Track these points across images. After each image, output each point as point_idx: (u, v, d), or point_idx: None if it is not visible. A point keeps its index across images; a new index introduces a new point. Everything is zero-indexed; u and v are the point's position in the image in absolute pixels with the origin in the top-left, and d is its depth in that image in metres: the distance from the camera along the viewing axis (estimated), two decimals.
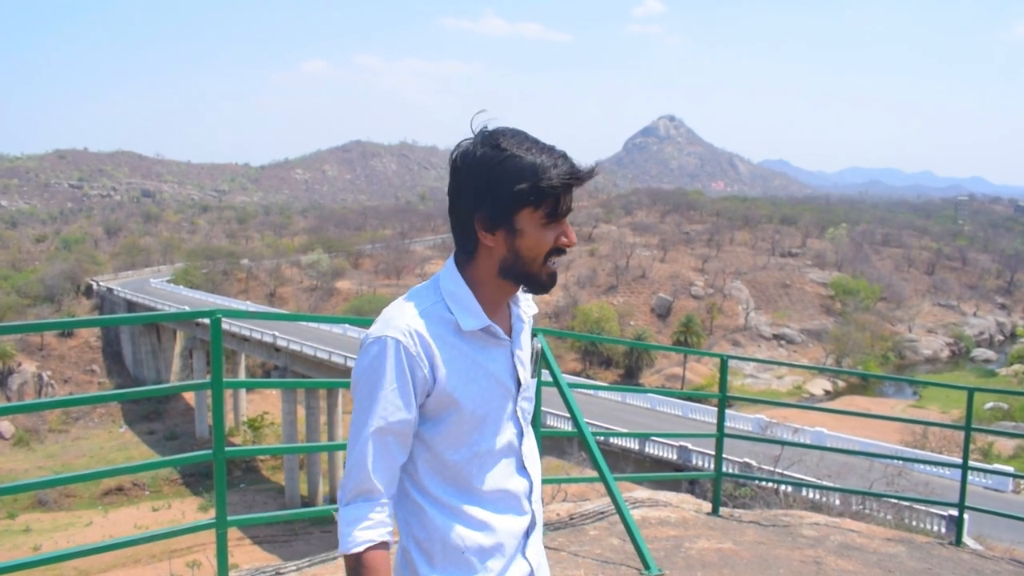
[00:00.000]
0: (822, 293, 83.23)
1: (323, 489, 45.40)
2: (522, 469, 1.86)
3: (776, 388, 62.59)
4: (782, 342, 74.47)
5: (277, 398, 52.32)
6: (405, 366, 1.67)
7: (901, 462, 21.33)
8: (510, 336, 1.85)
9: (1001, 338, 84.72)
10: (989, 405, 50.42)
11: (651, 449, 31.33)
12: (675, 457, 30.72)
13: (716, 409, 6.49)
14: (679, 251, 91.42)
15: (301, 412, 46.36)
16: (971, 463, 6.21)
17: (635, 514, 5.87)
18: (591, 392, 38.67)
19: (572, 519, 5.74)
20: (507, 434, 1.83)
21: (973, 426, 6.13)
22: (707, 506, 6.39)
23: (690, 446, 30.30)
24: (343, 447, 6.52)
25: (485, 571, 1.75)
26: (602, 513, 5.87)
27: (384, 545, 1.67)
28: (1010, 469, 32.02)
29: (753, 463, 24.93)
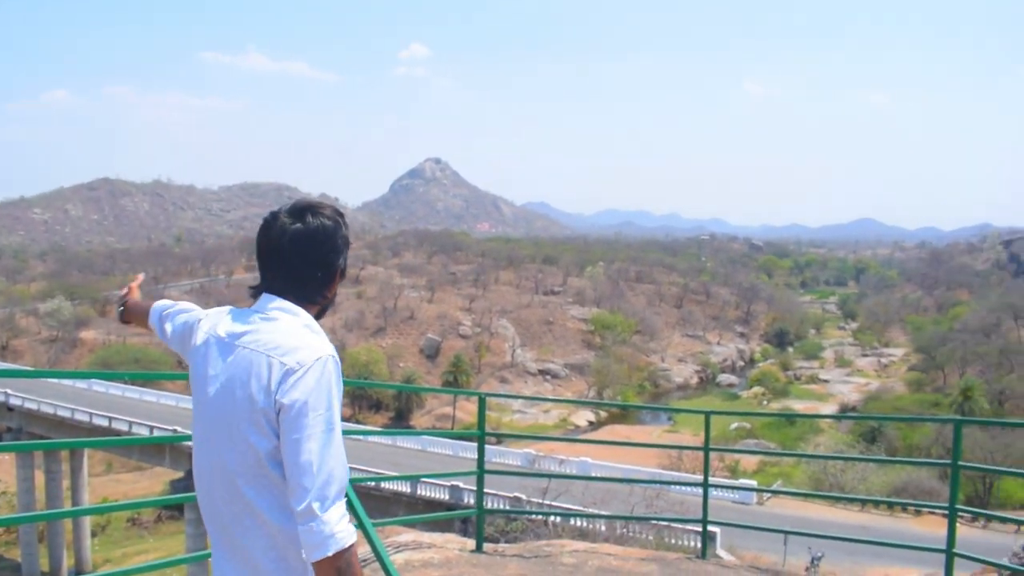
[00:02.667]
0: (583, 328, 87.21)
1: (68, 562, 41.19)
2: None
3: (543, 422, 64.56)
4: (548, 377, 77.14)
5: (11, 464, 47.14)
6: (339, 380, 2.01)
7: (659, 485, 22.66)
8: None
9: (742, 363, 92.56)
10: (734, 426, 54.75)
11: (423, 491, 31.28)
12: (447, 497, 30.83)
13: (491, 447, 6.57)
14: (446, 291, 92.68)
15: (40, 478, 41.95)
16: (711, 480, 6.59)
17: (398, 558, 5.80)
18: (360, 437, 38.06)
19: None
20: None
21: (712, 446, 6.54)
22: (471, 543, 6.42)
23: (461, 484, 30.51)
24: (90, 512, 5.92)
25: None
26: (364, 560, 5.77)
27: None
28: (753, 483, 34.89)
29: (523, 497, 25.51)
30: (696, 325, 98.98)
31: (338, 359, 2.04)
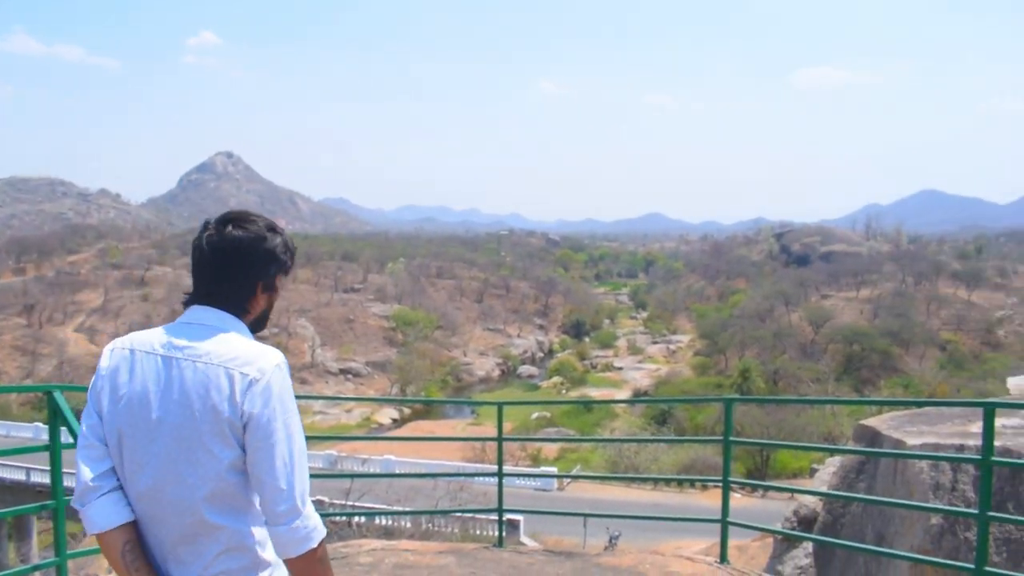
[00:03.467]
0: (384, 326, 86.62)
1: None
2: None
3: (346, 422, 63.47)
4: (349, 376, 76.01)
5: None
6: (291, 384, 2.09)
7: (459, 478, 22.79)
8: None
9: (541, 355, 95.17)
10: (535, 415, 56.08)
11: None
12: None
13: None
14: None
15: None
16: (507, 469, 6.60)
17: None
18: None
19: None
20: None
21: (506, 436, 6.54)
22: None
23: None
24: None
25: None
26: None
27: None
28: (553, 470, 35.91)
29: (326, 499, 24.87)
30: (496, 319, 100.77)
31: (287, 363, 2.13)
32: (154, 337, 2.15)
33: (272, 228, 2.26)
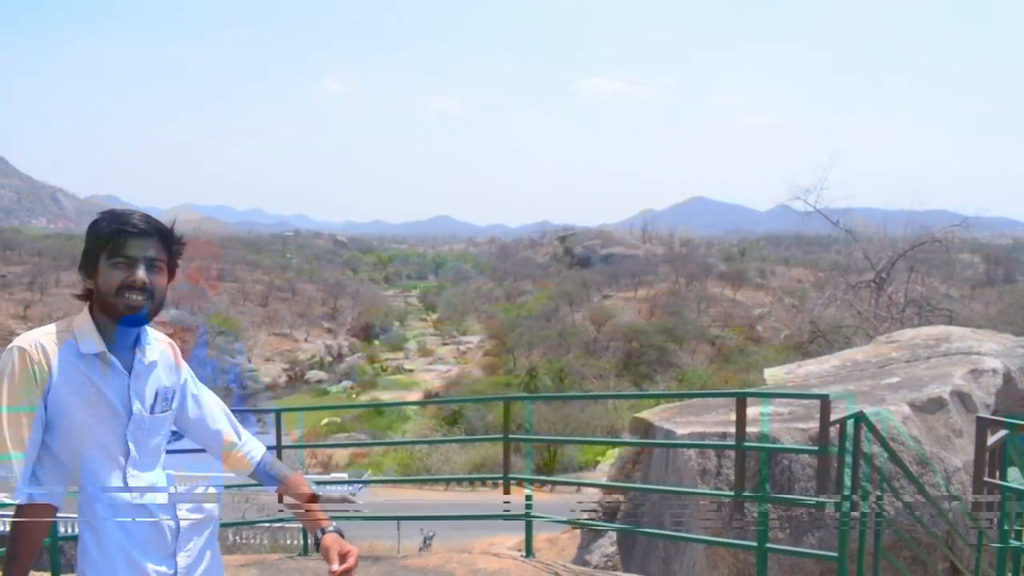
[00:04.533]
0: (160, 332, 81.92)
1: None
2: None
3: None
4: None
5: None
6: (13, 369, 2.21)
7: (249, 489, 21.99)
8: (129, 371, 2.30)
9: (331, 359, 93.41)
10: (325, 421, 55.00)
11: None
12: None
13: None
14: None
15: None
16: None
17: None
18: None
19: None
20: (114, 451, 2.26)
21: (287, 444, 6.52)
22: None
23: None
24: None
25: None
26: None
27: None
28: (344, 476, 35.41)
29: None
30: (283, 323, 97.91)
31: (24, 349, 2.27)
32: None
33: (97, 217, 2.45)
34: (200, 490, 2.40)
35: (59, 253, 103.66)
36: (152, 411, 2.34)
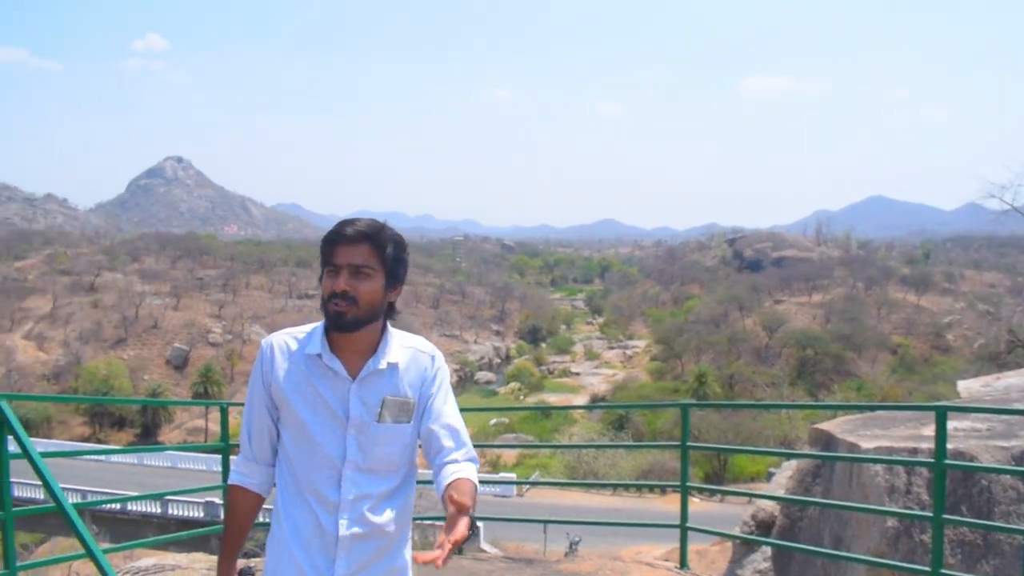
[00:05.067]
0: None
1: None
2: (335, 489, 2.29)
3: None
4: None
5: None
6: (261, 363, 2.36)
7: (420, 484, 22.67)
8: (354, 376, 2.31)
9: (498, 360, 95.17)
10: (493, 421, 56.12)
11: (174, 510, 29.48)
12: (201, 514, 29.27)
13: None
14: (193, 298, 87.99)
15: None
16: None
17: None
18: (103, 458, 35.21)
19: None
20: (329, 453, 2.29)
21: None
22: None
23: (216, 500, 29.09)
24: None
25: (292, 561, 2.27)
26: None
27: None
28: (512, 476, 35.93)
29: None
30: (453, 325, 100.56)
31: (261, 346, 2.40)
32: None
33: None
34: (371, 504, 2.30)
35: (248, 257, 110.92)
36: (380, 419, 2.30)
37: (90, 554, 4.35)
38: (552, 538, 24.90)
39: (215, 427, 60.66)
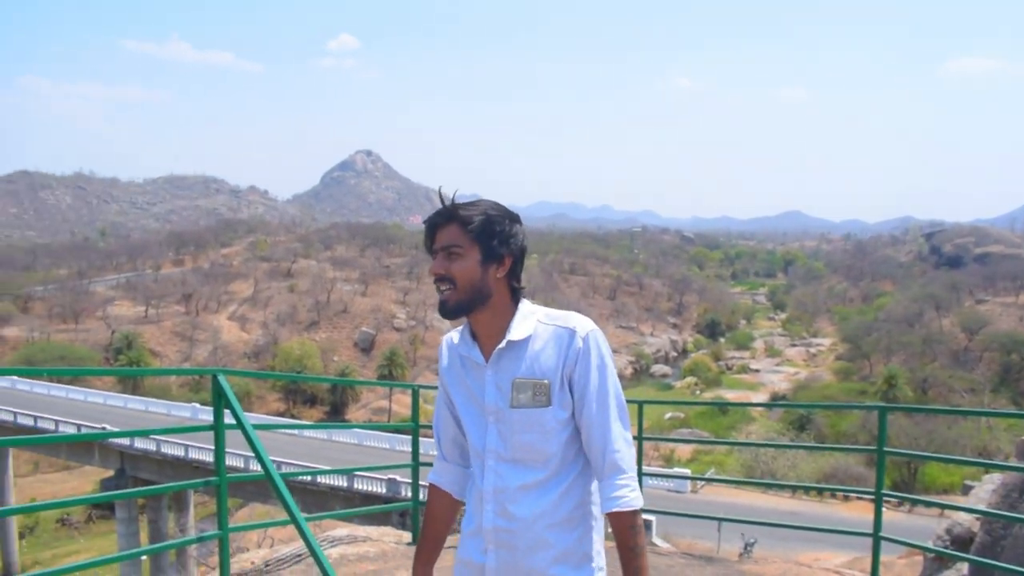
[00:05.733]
0: None
1: None
2: (483, 480, 2.23)
3: None
4: None
5: None
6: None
7: None
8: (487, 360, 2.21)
9: (675, 354, 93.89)
10: (668, 415, 55.47)
11: (360, 485, 30.96)
12: (384, 490, 30.59)
13: (428, 440, 6.42)
14: (380, 284, 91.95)
15: None
16: (645, 469, 6.62)
17: (333, 552, 5.68)
18: (295, 432, 37.55)
19: (267, 565, 5.43)
20: (476, 443, 2.25)
21: (645, 436, 6.54)
22: (407, 536, 6.31)
23: (398, 478, 30.33)
24: (17, 511, 5.61)
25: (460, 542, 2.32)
26: (299, 556, 5.60)
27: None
28: (687, 471, 35.39)
29: None
30: (629, 316, 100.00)
31: (442, 340, 2.37)
32: None
33: None
34: (509, 496, 2.20)
35: None
36: (513, 403, 2.18)
37: (294, 521, 4.65)
38: (725, 537, 24.38)
39: (398, 408, 63.31)
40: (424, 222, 2.22)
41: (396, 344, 73.83)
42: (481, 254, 2.16)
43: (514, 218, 2.23)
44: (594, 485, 2.23)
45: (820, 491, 34.17)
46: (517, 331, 2.19)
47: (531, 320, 2.23)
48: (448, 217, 2.16)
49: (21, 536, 42.74)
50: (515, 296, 2.25)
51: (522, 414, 2.17)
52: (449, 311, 2.17)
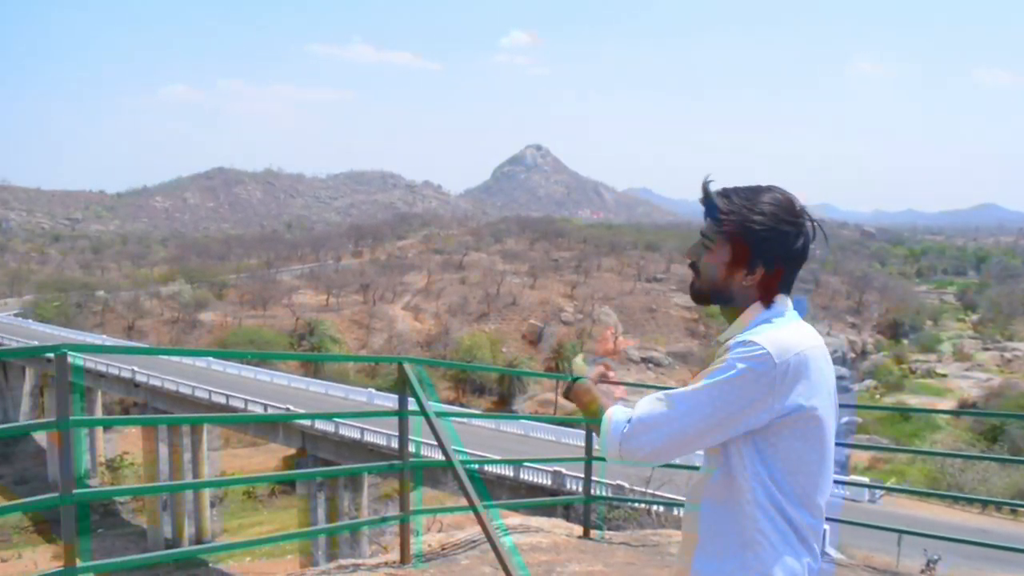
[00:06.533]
0: (687, 316, 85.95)
1: (188, 530, 43.31)
2: None
3: None
4: (650, 365, 76.37)
5: (138, 436, 49.76)
6: None
7: None
8: None
9: (853, 355, 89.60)
10: (845, 419, 53.10)
11: (525, 475, 31.43)
12: (549, 483, 30.91)
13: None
14: (549, 278, 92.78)
15: (164, 450, 44.18)
16: None
17: (506, 541, 5.84)
18: (464, 420, 38.53)
19: (444, 549, 5.64)
20: None
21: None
22: (579, 529, 6.38)
23: (564, 471, 30.55)
24: (210, 484, 6.14)
25: None
26: (474, 542, 5.78)
27: None
28: (864, 480, 33.76)
29: (626, 485, 25.30)
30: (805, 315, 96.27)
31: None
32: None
33: None
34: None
35: (600, 241, 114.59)
36: None
37: (474, 510, 4.83)
38: (905, 552, 23.09)
39: (564, 401, 63.71)
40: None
41: (563, 337, 74.32)
42: (731, 255, 2.02)
43: (793, 220, 2.01)
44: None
45: (1014, 508, 31.78)
46: (724, 333, 2.17)
47: (739, 329, 2.10)
48: (706, 206, 2.05)
49: (212, 505, 46.31)
50: (770, 308, 2.08)
51: None
52: (692, 295, 2.17)
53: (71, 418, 3.59)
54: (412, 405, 4.92)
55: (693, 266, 2.10)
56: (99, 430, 53.54)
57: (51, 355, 3.55)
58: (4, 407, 60.82)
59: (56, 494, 3.63)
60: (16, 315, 72.84)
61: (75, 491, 3.63)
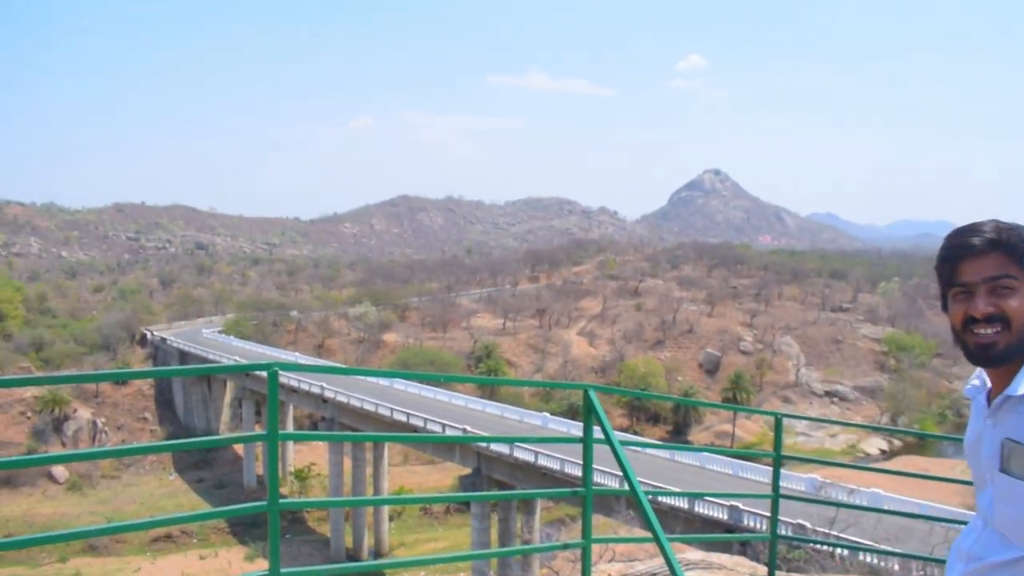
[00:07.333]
0: (875, 349, 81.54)
1: (368, 542, 45.14)
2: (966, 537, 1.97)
3: (829, 447, 61.15)
4: (834, 399, 72.93)
5: (323, 449, 52.53)
6: None
7: (962, 525, 20.58)
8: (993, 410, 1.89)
9: None
10: None
11: (701, 508, 30.67)
12: (725, 517, 30.02)
13: (768, 468, 6.26)
14: (726, 306, 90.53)
15: (348, 463, 46.44)
16: None
17: None
18: (638, 449, 38.11)
19: None
20: (983, 496, 1.93)
21: None
22: (762, 569, 6.16)
23: (741, 506, 29.59)
24: (393, 501, 6.39)
25: None
26: (654, 574, 5.72)
27: None
28: None
29: (807, 525, 24.20)
30: None
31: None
32: None
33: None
34: (980, 569, 1.88)
35: (781, 268, 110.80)
36: (1004, 466, 1.81)
37: (658, 541, 4.77)
38: None
39: (741, 433, 61.88)
40: (947, 247, 1.89)
41: (742, 367, 72.23)
42: None
43: None
44: None
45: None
46: (1020, 384, 1.81)
47: None
48: (992, 244, 1.81)
49: (391, 519, 48.23)
50: None
51: (1009, 483, 1.80)
52: (994, 357, 1.83)
53: (279, 432, 3.87)
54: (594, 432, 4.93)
55: (994, 320, 1.81)
56: (289, 442, 56.91)
57: (261, 372, 3.83)
58: (208, 416, 65.84)
59: (263, 502, 3.91)
60: (220, 331, 78.74)
61: (281, 500, 3.90)
